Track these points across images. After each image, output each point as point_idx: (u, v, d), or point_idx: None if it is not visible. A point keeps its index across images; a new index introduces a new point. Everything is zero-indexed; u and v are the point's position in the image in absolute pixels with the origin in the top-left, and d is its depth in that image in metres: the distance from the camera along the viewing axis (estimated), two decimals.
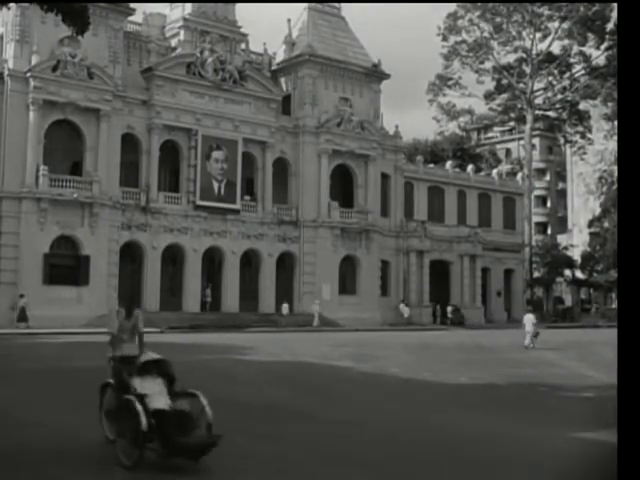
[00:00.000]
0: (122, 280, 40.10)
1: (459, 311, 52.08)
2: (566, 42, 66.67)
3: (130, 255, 41.15)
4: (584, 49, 66.82)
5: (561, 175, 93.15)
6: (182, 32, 43.75)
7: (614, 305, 68.92)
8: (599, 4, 63.11)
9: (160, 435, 7.77)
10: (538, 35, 65.80)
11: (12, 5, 30.17)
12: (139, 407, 7.76)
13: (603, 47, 65.43)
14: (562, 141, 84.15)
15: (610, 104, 68.04)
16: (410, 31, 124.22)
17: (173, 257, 42.65)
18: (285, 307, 43.88)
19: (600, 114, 72.91)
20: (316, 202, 46.79)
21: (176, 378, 8.50)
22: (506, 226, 60.35)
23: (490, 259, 57.28)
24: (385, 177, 51.50)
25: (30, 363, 19.80)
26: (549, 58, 67.30)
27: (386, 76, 51.28)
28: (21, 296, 35.69)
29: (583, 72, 68.26)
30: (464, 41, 65.91)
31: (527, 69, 67.49)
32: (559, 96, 70.20)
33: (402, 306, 50.03)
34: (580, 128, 73.44)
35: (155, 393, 8.08)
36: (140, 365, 8.47)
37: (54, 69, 37.91)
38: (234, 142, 44.04)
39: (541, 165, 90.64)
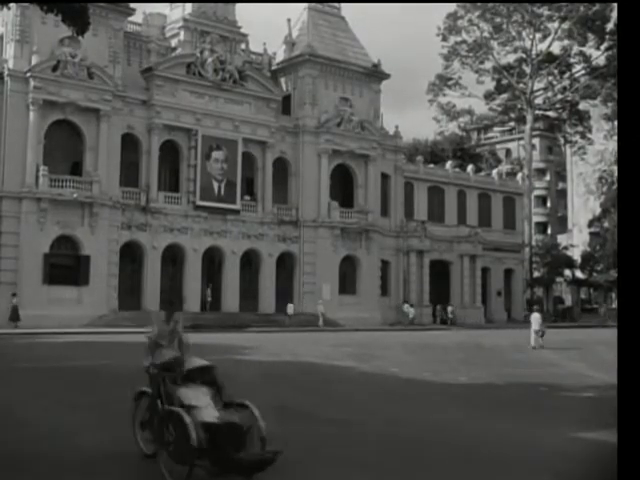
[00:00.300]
0: (122, 280, 40.14)
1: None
2: (566, 42, 66.74)
3: (130, 255, 41.16)
4: (584, 49, 66.93)
5: (561, 175, 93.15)
6: (182, 32, 43.76)
7: (614, 305, 68.89)
8: (599, 4, 63.14)
9: (211, 451, 7.05)
10: (538, 35, 65.87)
11: (12, 5, 30.20)
12: (188, 420, 7.02)
13: (603, 47, 65.46)
14: (562, 141, 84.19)
15: (610, 104, 68.04)
16: (410, 31, 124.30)
17: (173, 257, 42.66)
18: (290, 307, 43.89)
19: (600, 114, 72.92)
20: (316, 202, 46.80)
21: (224, 386, 7.78)
22: (506, 226, 60.36)
23: (490, 259, 57.28)
24: (385, 177, 51.50)
25: (29, 363, 19.79)
26: (549, 58, 67.34)
27: (386, 76, 51.29)
28: (13, 295, 35.69)
29: (583, 72, 68.29)
30: (464, 41, 65.95)
31: (527, 69, 67.52)
32: (559, 96, 70.24)
33: (406, 306, 49.96)
34: (580, 128, 73.49)
35: (203, 404, 7.37)
36: (186, 373, 7.72)
37: (54, 69, 37.92)
38: (234, 142, 44.05)
39: (541, 165, 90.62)
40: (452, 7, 65.14)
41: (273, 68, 48.84)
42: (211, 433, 7.08)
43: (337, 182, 48.53)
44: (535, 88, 68.56)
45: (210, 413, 7.28)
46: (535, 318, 29.03)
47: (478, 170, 67.62)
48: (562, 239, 79.13)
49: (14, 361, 20.61)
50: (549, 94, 70.41)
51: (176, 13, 44.74)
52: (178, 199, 42.57)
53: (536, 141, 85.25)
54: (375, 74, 50.73)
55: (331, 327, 43.24)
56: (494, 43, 66.45)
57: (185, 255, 42.58)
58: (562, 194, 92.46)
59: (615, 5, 57.80)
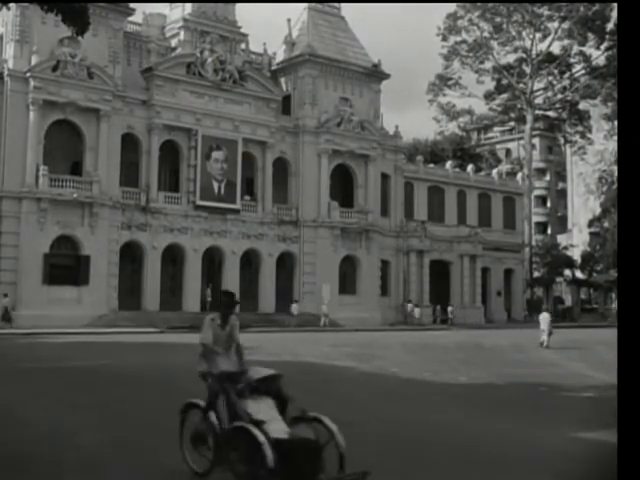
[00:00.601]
0: (122, 280, 40.15)
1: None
2: (566, 42, 66.76)
3: (130, 255, 41.16)
4: (584, 49, 66.95)
5: (561, 175, 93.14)
6: (182, 32, 43.77)
7: (614, 305, 68.88)
8: (599, 4, 63.14)
9: (286, 472, 6.18)
10: (538, 35, 65.88)
11: (12, 5, 30.17)
12: (262, 438, 6.20)
13: (603, 47, 65.48)
14: (562, 141, 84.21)
15: (610, 104, 68.05)
16: (410, 31, 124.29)
17: (173, 257, 42.66)
18: (295, 307, 43.91)
19: (600, 114, 72.92)
20: (316, 202, 46.80)
21: (292, 398, 6.95)
22: (506, 226, 60.36)
23: (490, 259, 57.29)
24: (385, 177, 51.51)
25: (30, 363, 19.79)
26: (549, 58, 67.34)
27: (386, 76, 51.30)
28: (5, 295, 35.68)
29: (583, 72, 68.29)
30: (464, 41, 65.95)
31: (527, 69, 67.52)
32: (559, 96, 70.24)
33: (410, 306, 49.93)
34: (580, 128, 73.51)
35: (271, 418, 6.56)
36: (253, 383, 6.91)
37: (54, 69, 37.93)
38: (234, 142, 44.05)
39: (541, 165, 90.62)
40: (452, 7, 65.26)
41: (273, 68, 48.84)
42: (283, 451, 6.23)
43: (337, 182, 48.53)
44: (535, 88, 68.60)
45: (280, 428, 6.49)
46: (544, 318, 29.26)
47: (478, 170, 67.64)
48: (562, 239, 79.11)
49: (15, 361, 20.62)
50: (549, 94, 70.42)
51: (176, 13, 44.74)
52: (178, 199, 42.57)
53: (536, 141, 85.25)
54: (375, 74, 50.73)
55: (331, 327, 43.23)
56: (494, 43, 66.47)
57: (185, 255, 42.59)
58: (562, 194, 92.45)
59: (615, 5, 57.82)
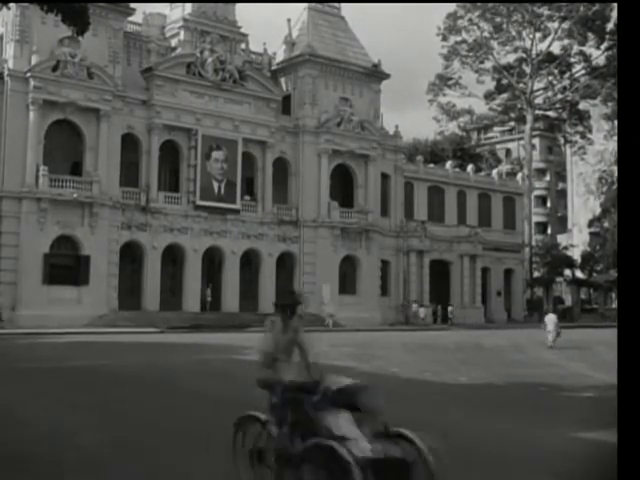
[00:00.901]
0: (122, 280, 40.15)
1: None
2: (566, 42, 66.80)
3: (130, 255, 41.16)
4: (584, 49, 66.96)
5: (561, 175, 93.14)
6: (182, 32, 43.77)
7: (614, 305, 68.89)
8: (599, 4, 63.16)
9: None
10: (538, 35, 65.92)
11: (12, 5, 30.17)
12: (349, 457, 5.46)
13: (603, 47, 65.49)
14: (562, 141, 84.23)
15: (610, 104, 68.05)
16: (410, 31, 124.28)
17: (173, 257, 42.67)
18: (300, 307, 43.74)
19: (600, 114, 72.94)
20: (316, 202, 46.80)
21: (377, 411, 6.13)
22: (506, 226, 60.37)
23: (490, 259, 57.30)
24: (385, 177, 51.51)
25: (30, 363, 19.79)
26: (549, 58, 67.35)
27: (386, 76, 51.30)
28: None
29: (583, 72, 68.31)
30: (464, 41, 65.97)
31: (527, 69, 67.54)
32: (559, 96, 70.25)
33: (416, 306, 49.90)
34: (580, 128, 73.53)
35: (355, 435, 5.79)
36: (331, 395, 6.08)
37: (54, 69, 37.94)
38: (234, 142, 44.05)
39: (541, 165, 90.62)
40: (452, 7, 65.27)
41: (273, 68, 48.85)
42: (371, 472, 5.52)
43: (337, 182, 48.54)
44: (535, 88, 68.62)
45: (364, 446, 5.72)
46: (550, 319, 29.37)
47: (478, 170, 67.65)
48: (562, 239, 79.11)
49: (15, 361, 20.62)
50: (549, 94, 70.43)
51: (176, 13, 44.75)
52: (178, 199, 42.57)
53: (536, 141, 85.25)
54: (375, 74, 50.74)
55: (332, 327, 43.20)
56: (494, 43, 66.51)
57: (185, 255, 42.59)
58: (562, 194, 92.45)
59: (615, 5, 57.82)
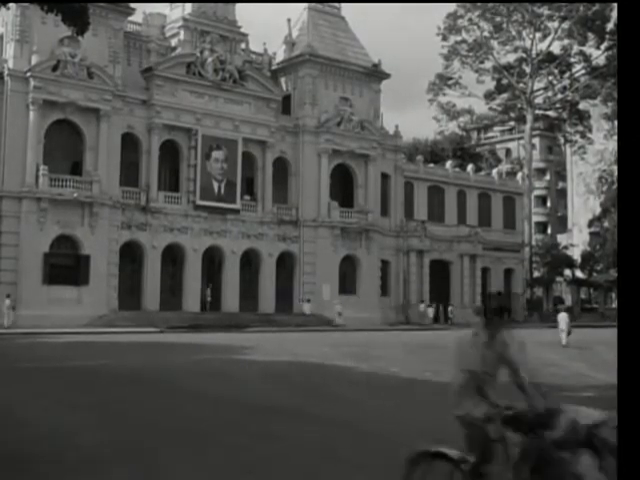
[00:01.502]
0: (122, 280, 40.15)
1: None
2: (566, 42, 66.71)
3: (130, 255, 41.16)
4: (584, 49, 66.88)
5: (561, 175, 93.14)
6: (182, 32, 43.76)
7: (614, 305, 68.89)
8: (599, 4, 63.12)
9: None
10: (538, 35, 65.84)
11: (12, 5, 30.19)
12: None
13: (603, 47, 65.44)
14: (562, 141, 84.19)
15: (610, 104, 68.04)
16: (410, 31, 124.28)
17: (173, 257, 42.66)
18: (307, 306, 43.94)
19: (600, 114, 72.92)
20: (316, 202, 46.80)
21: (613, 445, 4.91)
22: (506, 226, 60.35)
23: (490, 259, 57.28)
24: (385, 177, 51.50)
25: (30, 363, 19.80)
26: (549, 58, 67.31)
27: (386, 76, 51.30)
28: None
29: (583, 72, 68.26)
30: (464, 41, 65.91)
31: (527, 69, 67.50)
32: (559, 96, 70.22)
33: (423, 306, 49.87)
34: (580, 128, 73.49)
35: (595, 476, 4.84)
36: (579, 431, 4.96)
37: (54, 69, 37.94)
38: (234, 142, 44.05)
39: (541, 165, 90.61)
40: (452, 7, 65.22)
41: (273, 68, 48.84)
42: None
43: (337, 182, 48.53)
44: (535, 88, 68.57)
45: None
46: (562, 318, 29.48)
47: (478, 170, 67.63)
48: (562, 239, 79.09)
49: (15, 361, 20.62)
50: (549, 94, 70.41)
51: (176, 13, 44.74)
52: (178, 199, 42.57)
53: (536, 141, 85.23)
54: (375, 74, 50.73)
55: (332, 327, 43.22)
56: (494, 43, 66.44)
57: (185, 255, 42.59)
58: (562, 194, 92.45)
59: (615, 5, 57.82)
